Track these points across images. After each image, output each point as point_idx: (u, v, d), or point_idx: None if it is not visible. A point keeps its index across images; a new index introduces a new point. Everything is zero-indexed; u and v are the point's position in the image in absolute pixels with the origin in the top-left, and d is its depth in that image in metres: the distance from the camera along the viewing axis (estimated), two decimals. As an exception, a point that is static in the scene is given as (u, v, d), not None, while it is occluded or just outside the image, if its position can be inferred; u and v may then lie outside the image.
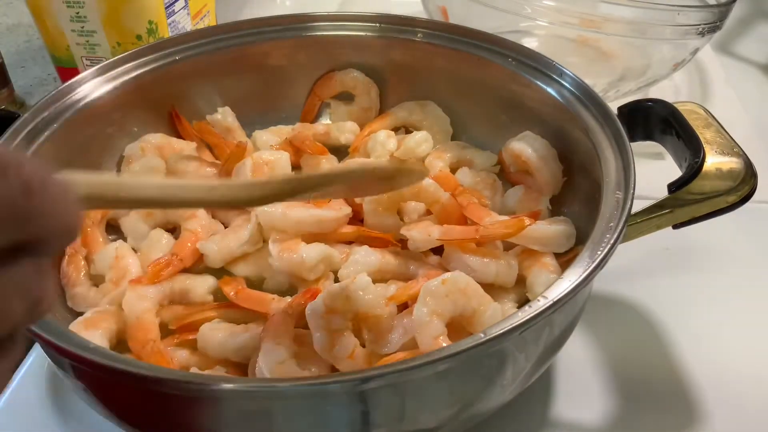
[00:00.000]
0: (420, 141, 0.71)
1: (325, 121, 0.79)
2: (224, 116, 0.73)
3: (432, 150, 0.72)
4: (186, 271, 0.60)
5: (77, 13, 0.84)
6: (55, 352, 0.42)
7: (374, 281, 0.55)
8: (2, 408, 0.58)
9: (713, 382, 0.59)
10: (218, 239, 0.61)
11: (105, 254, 0.60)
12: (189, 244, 0.61)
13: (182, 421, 0.45)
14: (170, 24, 0.89)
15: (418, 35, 0.73)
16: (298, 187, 0.39)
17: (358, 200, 0.63)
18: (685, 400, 0.58)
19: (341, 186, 0.45)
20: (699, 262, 0.72)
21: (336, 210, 0.61)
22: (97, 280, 0.60)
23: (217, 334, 0.54)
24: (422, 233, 0.59)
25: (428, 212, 0.64)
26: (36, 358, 0.61)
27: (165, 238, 0.62)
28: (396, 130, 0.75)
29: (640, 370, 0.61)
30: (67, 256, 0.61)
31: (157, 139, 0.69)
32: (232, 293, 0.57)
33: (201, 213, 0.64)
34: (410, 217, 0.64)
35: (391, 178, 0.47)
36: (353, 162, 0.70)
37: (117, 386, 0.44)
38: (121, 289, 0.57)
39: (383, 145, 0.70)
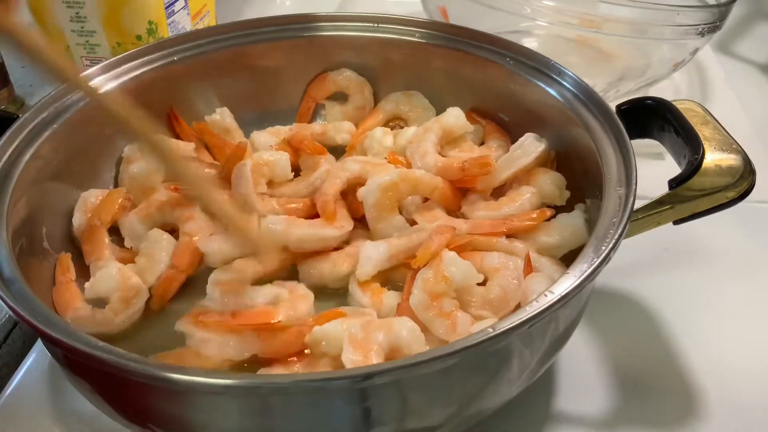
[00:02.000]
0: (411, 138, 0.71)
1: (320, 122, 0.79)
2: (222, 117, 0.73)
3: (415, 148, 0.68)
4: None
5: (77, 13, 0.84)
6: (60, 349, 0.42)
7: (390, 266, 0.59)
8: (2, 408, 0.58)
9: (713, 378, 0.59)
10: (219, 240, 0.61)
11: (106, 276, 0.58)
12: (187, 252, 0.61)
13: (186, 417, 0.45)
14: (170, 24, 0.89)
15: (417, 35, 0.73)
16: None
17: (360, 198, 0.63)
18: (685, 395, 0.58)
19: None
20: (699, 260, 0.72)
21: (339, 228, 0.62)
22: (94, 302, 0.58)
23: None
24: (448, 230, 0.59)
25: (425, 199, 0.65)
26: (36, 358, 0.61)
27: (165, 238, 0.62)
28: (392, 125, 0.75)
29: (641, 365, 0.61)
30: (57, 284, 0.59)
31: (156, 140, 0.68)
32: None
33: (198, 215, 0.63)
34: (408, 210, 0.64)
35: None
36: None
37: (122, 383, 0.44)
38: (134, 308, 0.58)
39: (380, 142, 0.70)
